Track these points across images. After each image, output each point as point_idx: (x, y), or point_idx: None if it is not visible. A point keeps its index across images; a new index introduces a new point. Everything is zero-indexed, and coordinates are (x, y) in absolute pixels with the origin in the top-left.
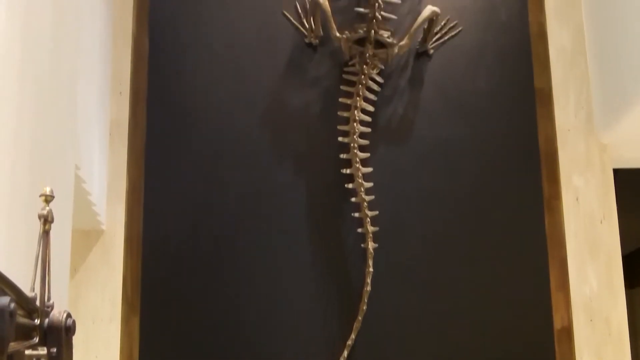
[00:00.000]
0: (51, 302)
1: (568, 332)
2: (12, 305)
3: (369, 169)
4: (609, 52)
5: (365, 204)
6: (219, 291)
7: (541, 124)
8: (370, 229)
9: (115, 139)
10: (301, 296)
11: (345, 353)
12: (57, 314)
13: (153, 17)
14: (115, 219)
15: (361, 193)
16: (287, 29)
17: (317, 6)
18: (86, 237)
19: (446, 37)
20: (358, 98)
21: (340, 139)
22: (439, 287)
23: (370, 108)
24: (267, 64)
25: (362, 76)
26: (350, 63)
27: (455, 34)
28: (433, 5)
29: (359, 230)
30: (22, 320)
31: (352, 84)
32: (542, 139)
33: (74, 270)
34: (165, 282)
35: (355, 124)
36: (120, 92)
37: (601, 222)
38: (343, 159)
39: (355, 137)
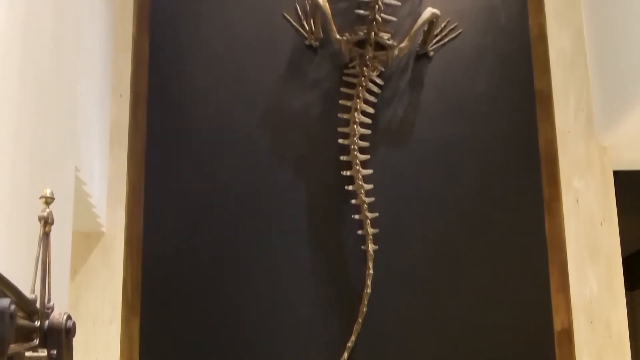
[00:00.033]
0: (51, 304)
1: (568, 334)
2: (13, 307)
3: (369, 171)
4: (609, 54)
5: (365, 206)
6: (219, 294)
7: (541, 126)
8: (371, 231)
9: (116, 141)
10: (301, 298)
11: (345, 355)
12: (58, 315)
13: (153, 19)
14: (116, 221)
15: (361, 195)
16: (287, 31)
17: (317, 8)
18: (86, 239)
19: (446, 39)
20: (358, 100)
21: (340, 141)
22: (439, 290)
23: (371, 110)
24: (267, 66)
25: (362, 78)
26: (350, 65)
27: (456, 36)
28: (433, 7)
29: (359, 232)
30: (22, 322)
31: (352, 86)
32: (542, 141)
33: (74, 272)
34: (165, 284)
35: (355, 126)
36: (121, 94)
37: (601, 224)
38: (343, 161)
39: (355, 139)
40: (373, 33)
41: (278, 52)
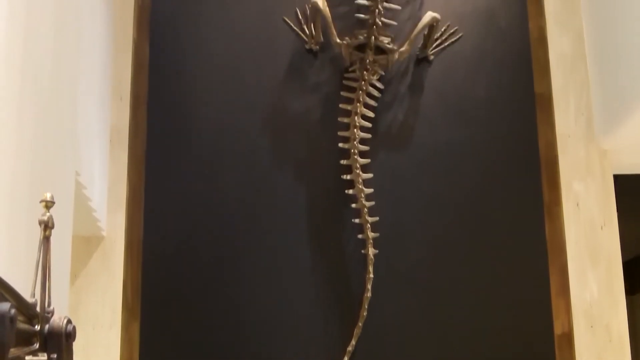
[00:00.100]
0: (51, 308)
1: (568, 338)
2: (13, 311)
3: (369, 175)
4: (609, 58)
5: (366, 210)
6: (219, 298)
7: (541, 129)
8: (371, 235)
9: (116, 145)
10: (301, 302)
11: (346, 359)
12: (58, 319)
13: (154, 21)
14: (116, 225)
15: (361, 199)
16: (287, 34)
17: (317, 12)
18: (86, 243)
19: (446, 43)
20: (358, 104)
21: (340, 145)
22: (439, 293)
23: (371, 114)
24: (267, 70)
25: (363, 82)
26: (350, 69)
27: (456, 40)
28: (433, 11)
29: (360, 236)
30: (22, 326)
31: (352, 90)
32: (542, 144)
33: (74, 276)
34: (165, 288)
35: (355, 130)
36: (121, 97)
37: (601, 228)
38: (343, 165)
39: (355, 143)
40: (373, 37)
41: (278, 56)
